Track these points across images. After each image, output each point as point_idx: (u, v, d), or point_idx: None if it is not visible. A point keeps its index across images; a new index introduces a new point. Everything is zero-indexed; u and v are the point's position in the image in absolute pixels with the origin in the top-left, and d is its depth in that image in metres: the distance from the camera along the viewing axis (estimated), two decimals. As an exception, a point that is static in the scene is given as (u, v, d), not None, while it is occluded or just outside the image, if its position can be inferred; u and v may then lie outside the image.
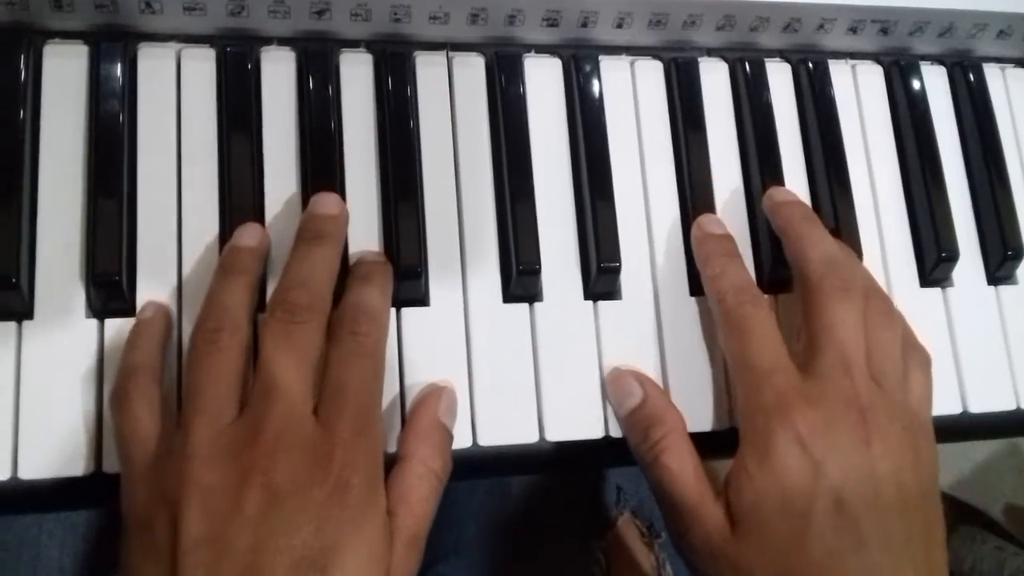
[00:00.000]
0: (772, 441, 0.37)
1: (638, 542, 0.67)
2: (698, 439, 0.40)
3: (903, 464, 0.38)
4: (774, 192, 0.45)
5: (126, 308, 0.39)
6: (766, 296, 0.42)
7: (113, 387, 0.37)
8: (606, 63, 0.46)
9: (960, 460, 1.30)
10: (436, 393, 0.40)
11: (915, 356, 0.42)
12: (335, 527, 0.33)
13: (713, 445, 0.41)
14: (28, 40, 0.40)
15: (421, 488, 0.37)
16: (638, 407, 0.41)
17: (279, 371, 0.35)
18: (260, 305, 0.39)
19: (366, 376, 0.37)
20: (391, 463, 0.37)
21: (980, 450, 1.31)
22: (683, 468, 0.39)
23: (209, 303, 0.37)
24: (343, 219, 0.40)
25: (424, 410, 0.39)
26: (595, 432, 0.42)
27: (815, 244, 0.42)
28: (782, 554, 0.36)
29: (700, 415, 0.43)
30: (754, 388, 0.39)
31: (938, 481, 0.39)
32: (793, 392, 0.38)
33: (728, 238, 0.44)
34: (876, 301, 0.41)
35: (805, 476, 0.36)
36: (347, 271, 0.40)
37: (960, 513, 1.22)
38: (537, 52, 0.46)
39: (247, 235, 0.40)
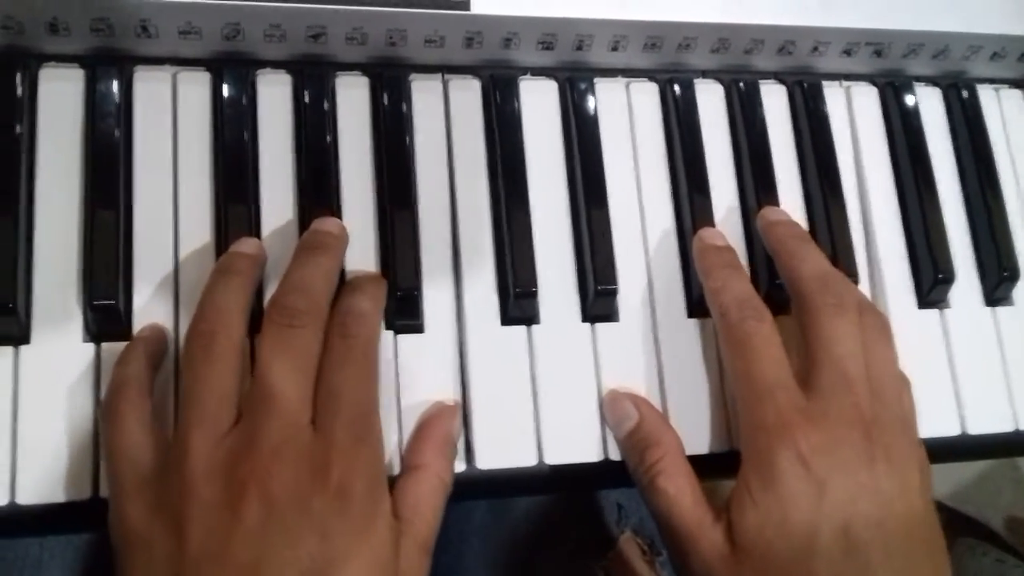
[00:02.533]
0: (774, 461, 0.37)
1: (640, 560, 0.67)
2: (697, 461, 0.40)
3: (909, 481, 0.37)
4: (767, 212, 0.45)
5: (123, 331, 0.39)
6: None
7: (103, 401, 0.37)
8: (601, 85, 0.46)
9: (959, 472, 1.29)
10: (451, 410, 0.40)
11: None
12: (339, 536, 0.33)
13: (713, 467, 0.41)
14: (24, 64, 0.41)
15: (434, 498, 0.37)
16: (634, 429, 0.40)
17: (276, 378, 0.35)
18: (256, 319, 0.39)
19: (358, 379, 0.37)
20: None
21: (979, 463, 1.31)
22: (680, 491, 0.39)
23: (204, 303, 0.37)
24: (344, 238, 0.41)
25: (439, 423, 0.40)
26: (594, 455, 0.42)
27: (807, 261, 0.42)
28: None
29: (699, 437, 0.42)
30: (756, 406, 0.38)
31: (932, 490, 0.39)
32: (795, 410, 0.38)
33: (729, 250, 0.44)
34: (870, 317, 0.41)
35: (809, 497, 0.36)
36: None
37: (959, 525, 1.22)
38: (533, 75, 0.46)
39: (245, 244, 0.40)
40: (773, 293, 0.44)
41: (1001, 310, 0.48)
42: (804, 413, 0.38)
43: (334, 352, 0.37)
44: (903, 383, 0.42)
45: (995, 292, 0.48)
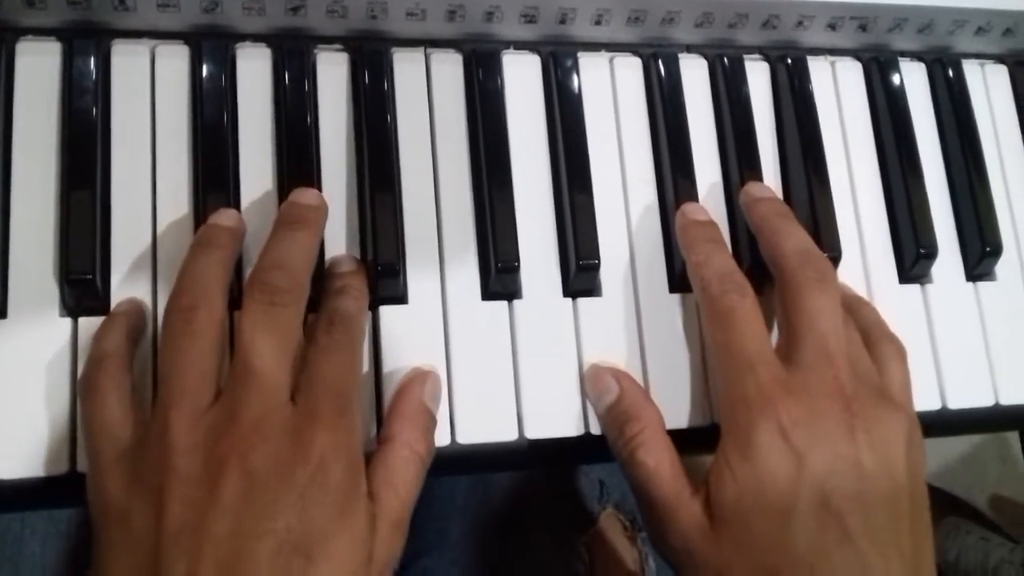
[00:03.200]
0: (754, 434, 0.37)
1: (621, 536, 0.67)
2: (678, 435, 0.40)
3: (889, 453, 0.37)
4: (751, 188, 0.45)
5: (100, 307, 0.39)
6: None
7: (81, 376, 0.37)
8: (585, 59, 0.46)
9: (944, 451, 1.30)
10: (421, 377, 0.40)
11: (890, 346, 0.42)
12: (317, 511, 0.33)
13: (693, 441, 0.42)
14: (1, 37, 0.40)
15: (407, 471, 0.37)
16: (615, 403, 0.40)
17: (257, 355, 0.35)
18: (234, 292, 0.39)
19: (343, 366, 0.37)
20: (371, 446, 0.37)
21: (964, 441, 1.32)
22: (659, 464, 0.39)
23: (183, 277, 0.37)
24: (323, 210, 0.40)
25: (409, 393, 0.39)
26: (575, 429, 0.42)
27: (790, 237, 0.42)
28: (764, 550, 0.36)
29: (680, 411, 0.43)
30: (737, 379, 0.38)
31: (925, 469, 0.39)
32: (776, 384, 0.38)
33: (712, 224, 0.44)
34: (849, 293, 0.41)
35: (788, 469, 0.36)
36: (323, 271, 0.40)
37: (945, 504, 1.22)
38: (515, 49, 0.46)
39: (223, 216, 0.39)
40: (755, 271, 0.44)
41: (983, 285, 0.48)
42: (785, 386, 0.38)
43: (319, 344, 0.37)
44: (893, 353, 0.42)
45: (977, 268, 0.48)
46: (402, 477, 0.37)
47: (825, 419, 0.37)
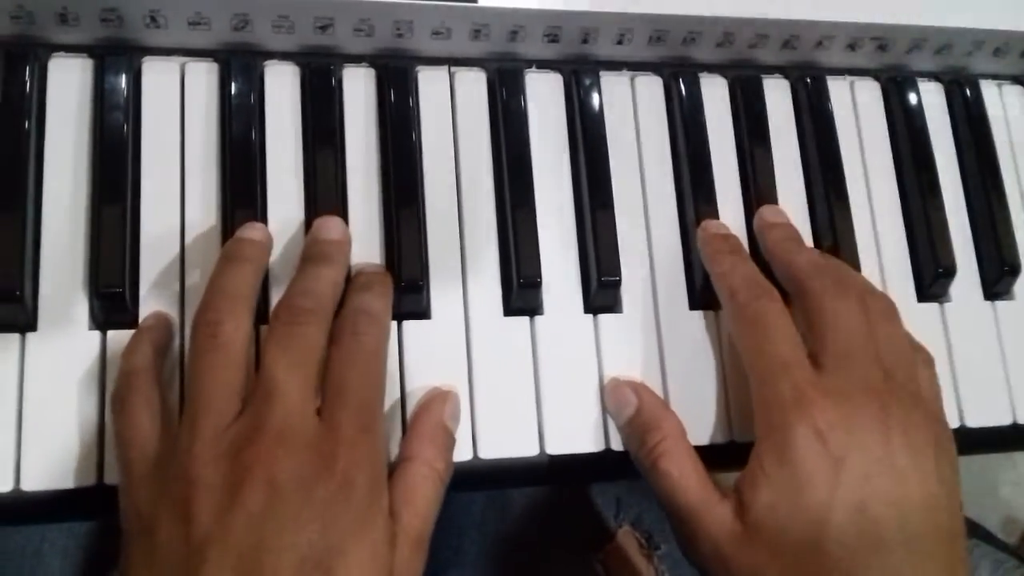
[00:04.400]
0: (791, 437, 0.37)
1: (638, 554, 0.67)
2: (698, 452, 0.40)
3: (924, 458, 0.37)
4: (765, 212, 0.46)
5: (129, 320, 0.39)
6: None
7: (112, 391, 0.37)
8: (606, 78, 0.47)
9: (957, 472, 1.30)
10: (441, 397, 0.40)
11: (919, 355, 0.42)
12: (340, 526, 0.33)
13: (714, 458, 0.41)
14: (34, 53, 0.41)
15: (426, 489, 0.37)
16: (634, 415, 0.41)
17: (281, 372, 0.35)
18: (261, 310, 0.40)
19: (368, 374, 0.37)
20: (392, 466, 0.38)
21: (977, 462, 1.31)
22: (683, 472, 0.39)
23: (211, 290, 0.37)
24: (347, 244, 0.41)
25: (428, 413, 0.39)
26: (595, 445, 0.42)
27: (801, 254, 0.42)
28: (798, 555, 0.36)
29: (700, 428, 0.43)
30: (771, 382, 0.38)
31: (959, 475, 0.38)
32: (811, 386, 0.37)
33: (733, 237, 0.44)
34: (874, 300, 0.41)
35: (825, 474, 0.36)
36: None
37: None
38: (538, 67, 0.46)
39: (251, 230, 0.40)
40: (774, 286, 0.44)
41: (1001, 304, 0.48)
42: (820, 389, 0.37)
43: (343, 349, 0.37)
44: (921, 361, 0.42)
45: (995, 286, 0.48)
46: (422, 495, 0.37)
47: (861, 423, 0.37)
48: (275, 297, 0.39)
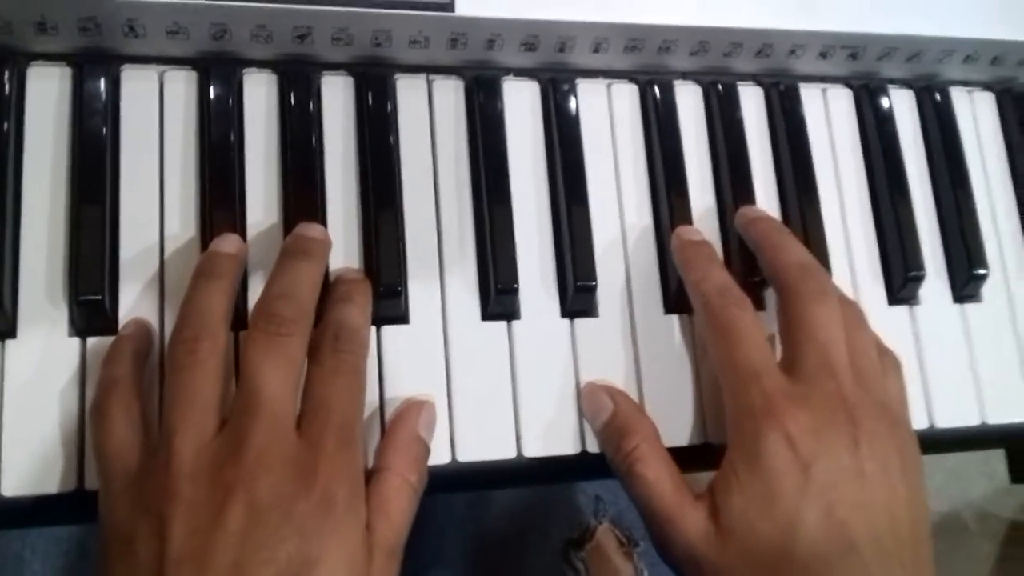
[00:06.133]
0: (761, 443, 0.37)
1: (617, 552, 0.68)
2: (673, 454, 0.41)
3: (891, 465, 0.38)
4: (746, 210, 0.46)
5: (109, 327, 0.39)
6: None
7: (92, 401, 0.37)
8: (583, 86, 0.47)
9: (930, 469, 1.31)
10: (416, 407, 0.40)
11: (887, 360, 0.43)
12: (318, 542, 0.33)
13: (689, 460, 0.42)
14: (12, 62, 0.41)
15: (400, 500, 0.37)
16: (610, 419, 0.41)
17: (263, 384, 0.35)
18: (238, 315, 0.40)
19: (349, 392, 0.37)
20: (367, 472, 0.38)
21: (950, 458, 1.33)
22: (658, 476, 0.39)
23: (186, 308, 0.37)
24: (327, 244, 0.41)
25: (403, 423, 0.40)
26: (572, 448, 0.43)
27: (790, 252, 0.43)
28: (769, 559, 0.36)
29: (675, 430, 0.43)
30: (742, 390, 0.39)
31: (924, 482, 0.40)
32: (781, 394, 0.38)
33: (707, 244, 0.45)
34: (848, 307, 0.42)
35: (794, 479, 0.37)
36: (327, 292, 0.41)
37: (931, 521, 1.23)
38: (516, 75, 0.47)
39: (225, 242, 0.40)
40: (747, 290, 0.45)
41: (969, 307, 0.49)
42: (790, 397, 0.38)
43: (325, 365, 0.37)
44: (889, 366, 0.42)
45: (964, 290, 0.49)
46: (396, 507, 0.37)
47: (830, 430, 0.38)
48: (253, 301, 0.39)
